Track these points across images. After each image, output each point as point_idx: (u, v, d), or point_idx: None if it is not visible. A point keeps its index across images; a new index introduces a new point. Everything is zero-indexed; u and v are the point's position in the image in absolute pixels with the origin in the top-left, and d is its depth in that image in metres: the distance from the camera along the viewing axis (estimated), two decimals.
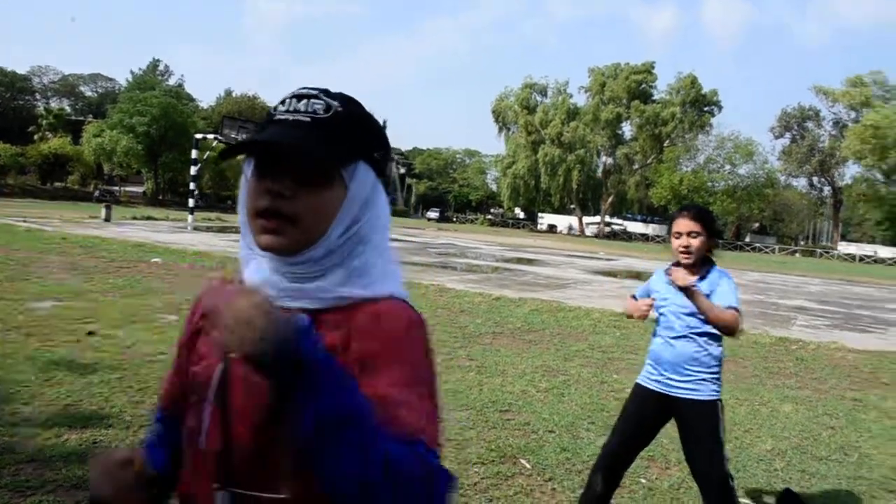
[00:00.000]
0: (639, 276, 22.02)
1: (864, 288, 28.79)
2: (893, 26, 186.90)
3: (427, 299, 11.84)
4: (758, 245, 77.10)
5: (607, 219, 78.12)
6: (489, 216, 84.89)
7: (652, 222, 78.77)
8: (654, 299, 3.49)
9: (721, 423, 3.33)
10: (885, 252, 72.61)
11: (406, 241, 32.68)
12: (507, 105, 78.52)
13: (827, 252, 74.25)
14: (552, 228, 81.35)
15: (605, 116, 73.77)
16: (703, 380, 3.31)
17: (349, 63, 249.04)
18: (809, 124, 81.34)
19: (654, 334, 3.50)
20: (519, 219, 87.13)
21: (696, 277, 3.35)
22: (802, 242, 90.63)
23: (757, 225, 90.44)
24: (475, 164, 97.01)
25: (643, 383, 3.51)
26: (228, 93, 73.63)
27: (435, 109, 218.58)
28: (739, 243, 77.49)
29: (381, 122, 1.22)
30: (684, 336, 3.32)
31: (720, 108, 76.28)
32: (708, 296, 3.25)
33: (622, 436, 3.55)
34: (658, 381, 3.42)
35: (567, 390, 6.67)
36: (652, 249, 47.32)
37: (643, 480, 4.53)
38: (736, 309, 3.21)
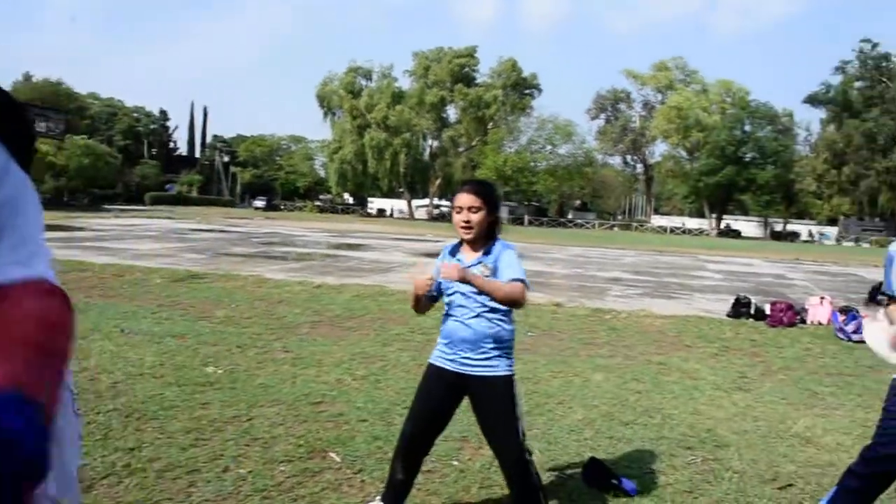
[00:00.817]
0: None
1: (672, 257, 30.76)
2: (691, 18, 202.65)
3: (245, 291, 11.35)
4: (580, 221, 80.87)
5: (436, 201, 79.10)
6: (318, 203, 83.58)
7: None
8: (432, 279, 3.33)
9: (517, 399, 3.27)
10: (691, 223, 79.06)
11: (228, 231, 31.59)
12: (331, 89, 77.55)
13: (641, 225, 79.27)
14: (382, 213, 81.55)
15: (430, 100, 74.54)
16: (499, 356, 3.24)
17: (167, 47, 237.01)
18: (622, 106, 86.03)
19: (447, 314, 3.36)
20: (348, 204, 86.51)
21: (478, 255, 3.26)
22: (620, 217, 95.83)
23: (578, 202, 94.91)
24: (302, 151, 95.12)
25: (437, 363, 3.38)
26: (27, 77, 67.76)
27: (257, 95, 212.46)
28: (562, 220, 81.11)
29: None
30: (478, 315, 3.22)
31: (540, 91, 79.36)
32: (495, 270, 3.17)
33: (419, 419, 3.43)
34: (453, 361, 3.30)
35: (384, 376, 6.51)
36: None
37: (455, 462, 4.44)
38: (522, 280, 3.12)
